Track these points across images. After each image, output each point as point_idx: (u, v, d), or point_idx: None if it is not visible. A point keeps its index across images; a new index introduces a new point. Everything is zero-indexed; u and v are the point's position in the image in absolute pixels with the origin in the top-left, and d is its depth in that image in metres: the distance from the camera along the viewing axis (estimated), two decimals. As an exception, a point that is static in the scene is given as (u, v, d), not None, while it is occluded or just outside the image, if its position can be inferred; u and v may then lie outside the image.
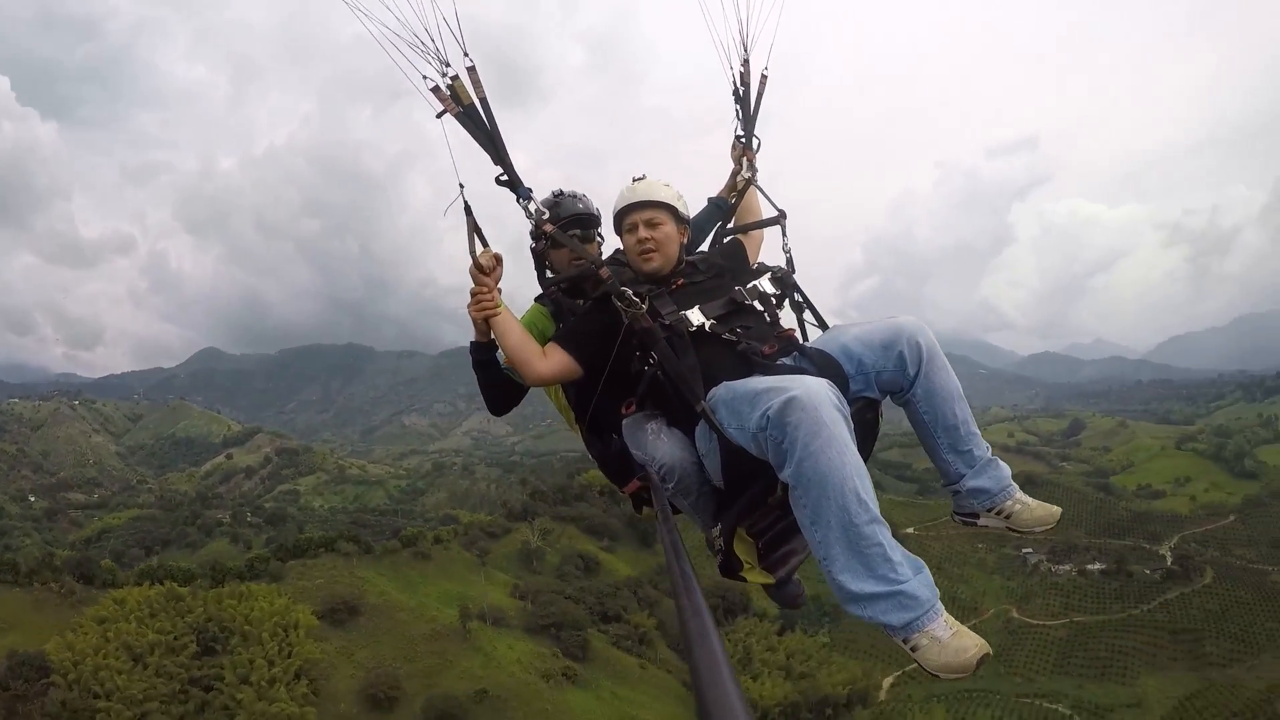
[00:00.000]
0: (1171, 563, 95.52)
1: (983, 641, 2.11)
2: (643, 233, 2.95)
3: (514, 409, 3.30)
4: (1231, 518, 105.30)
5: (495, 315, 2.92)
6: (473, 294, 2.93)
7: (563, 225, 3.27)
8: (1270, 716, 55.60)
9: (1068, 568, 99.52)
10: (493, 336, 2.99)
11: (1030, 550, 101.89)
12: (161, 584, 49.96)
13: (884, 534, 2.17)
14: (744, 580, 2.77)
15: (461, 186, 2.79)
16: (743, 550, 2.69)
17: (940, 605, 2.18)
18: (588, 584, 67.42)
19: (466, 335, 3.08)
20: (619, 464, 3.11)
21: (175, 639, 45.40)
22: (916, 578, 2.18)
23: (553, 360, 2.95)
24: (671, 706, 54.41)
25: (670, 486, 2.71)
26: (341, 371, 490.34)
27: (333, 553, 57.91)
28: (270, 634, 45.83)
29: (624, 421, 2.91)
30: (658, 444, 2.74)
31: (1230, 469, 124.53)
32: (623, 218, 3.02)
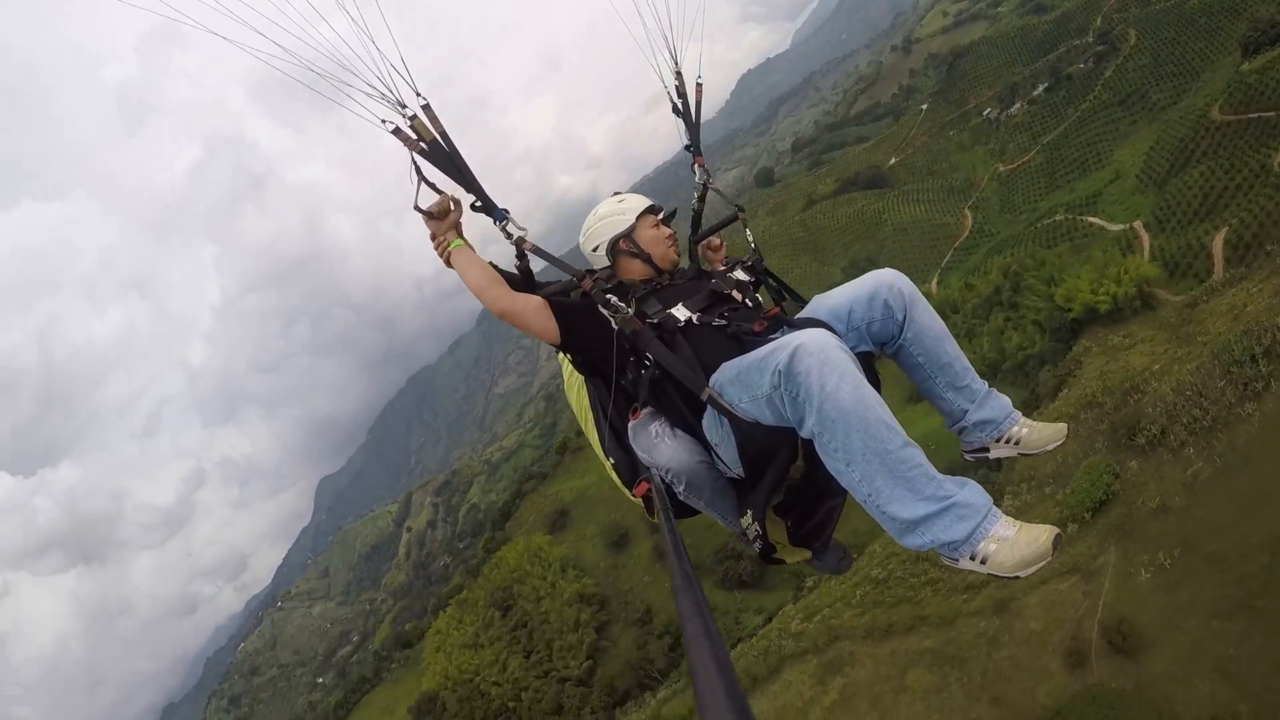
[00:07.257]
0: (1098, 45, 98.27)
1: (1050, 526, 2.07)
2: (669, 230, 3.24)
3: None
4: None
5: (447, 254, 3.02)
6: (431, 238, 3.11)
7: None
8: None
9: (1018, 105, 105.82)
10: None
11: (986, 109, 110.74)
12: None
13: (919, 455, 2.15)
14: (783, 562, 2.85)
15: (420, 140, 2.87)
16: (775, 532, 2.74)
17: (996, 507, 2.15)
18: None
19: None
20: (631, 466, 3.11)
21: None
22: (964, 490, 2.16)
23: (527, 301, 2.91)
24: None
25: (681, 489, 2.73)
26: (424, 403, 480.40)
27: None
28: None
29: (629, 425, 2.90)
30: (661, 447, 2.75)
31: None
32: (651, 213, 3.24)
